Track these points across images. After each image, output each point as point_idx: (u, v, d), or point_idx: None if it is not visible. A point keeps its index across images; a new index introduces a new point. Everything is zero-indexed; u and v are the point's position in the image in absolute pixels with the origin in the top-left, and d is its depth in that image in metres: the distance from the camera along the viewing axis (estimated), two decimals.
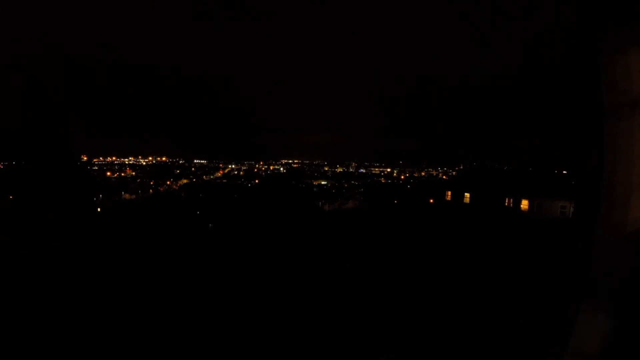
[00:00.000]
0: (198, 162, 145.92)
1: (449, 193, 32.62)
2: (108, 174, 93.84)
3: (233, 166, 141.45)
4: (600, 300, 3.37)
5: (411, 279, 11.37)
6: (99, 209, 38.62)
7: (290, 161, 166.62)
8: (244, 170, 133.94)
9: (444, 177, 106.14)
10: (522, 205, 26.21)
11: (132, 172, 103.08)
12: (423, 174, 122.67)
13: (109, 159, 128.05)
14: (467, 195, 29.87)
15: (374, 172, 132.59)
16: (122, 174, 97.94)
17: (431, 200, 41.48)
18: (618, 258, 3.30)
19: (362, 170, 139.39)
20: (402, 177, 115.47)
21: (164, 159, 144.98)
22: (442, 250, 14.86)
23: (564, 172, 29.34)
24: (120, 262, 13.19)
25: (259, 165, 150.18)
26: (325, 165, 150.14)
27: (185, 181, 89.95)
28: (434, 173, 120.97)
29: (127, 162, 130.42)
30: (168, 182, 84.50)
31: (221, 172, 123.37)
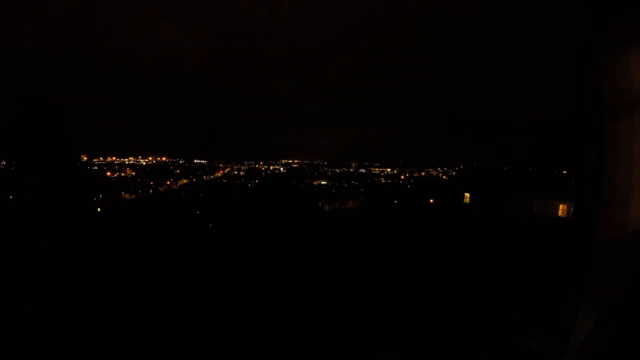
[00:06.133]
0: (198, 162, 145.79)
1: (449, 193, 32.61)
2: (108, 174, 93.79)
3: (233, 166, 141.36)
4: (600, 300, 3.37)
5: (411, 279, 11.36)
6: (99, 209, 38.59)
7: (290, 161, 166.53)
8: (244, 170, 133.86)
9: (444, 177, 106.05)
10: (522, 205, 26.20)
11: (132, 172, 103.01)
12: (423, 174, 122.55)
13: (109, 159, 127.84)
14: (467, 195, 29.86)
15: (374, 172, 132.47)
16: (122, 174, 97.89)
17: (431, 200, 41.46)
18: (618, 258, 3.29)
19: (362, 170, 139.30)
20: (402, 177, 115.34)
21: (164, 159, 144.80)
22: (442, 250, 14.86)
23: (564, 172, 29.29)
24: (121, 261, 13.17)
25: (259, 165, 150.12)
26: (325, 165, 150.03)
27: (185, 181, 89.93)
28: (434, 173, 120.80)
29: (127, 162, 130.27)
30: (168, 182, 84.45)
31: (221, 172, 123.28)
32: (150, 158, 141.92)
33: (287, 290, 10.42)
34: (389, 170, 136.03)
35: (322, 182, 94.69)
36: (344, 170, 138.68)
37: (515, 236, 17.74)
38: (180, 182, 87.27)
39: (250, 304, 9.53)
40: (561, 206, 24.59)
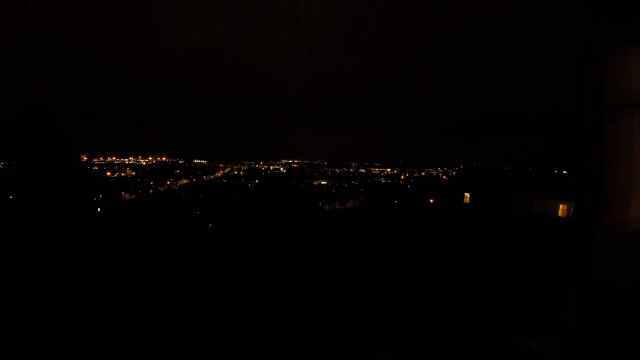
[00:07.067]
0: (198, 162, 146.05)
1: (449, 193, 32.62)
2: (108, 174, 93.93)
3: (233, 166, 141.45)
4: (601, 300, 3.37)
5: (411, 278, 11.36)
6: (99, 209, 38.58)
7: (290, 161, 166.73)
8: (244, 170, 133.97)
9: (444, 177, 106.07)
10: (522, 205, 26.20)
11: (132, 172, 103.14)
12: (423, 174, 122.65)
13: (109, 159, 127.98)
14: (467, 195, 29.86)
15: (374, 172, 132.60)
16: (122, 174, 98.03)
17: (431, 200, 41.46)
18: (618, 258, 3.29)
19: (362, 170, 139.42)
20: (402, 177, 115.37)
21: (164, 159, 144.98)
22: (441, 250, 14.86)
23: (564, 172, 29.27)
24: (121, 261, 13.17)
25: (259, 165, 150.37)
26: (325, 165, 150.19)
27: (185, 181, 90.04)
28: (434, 173, 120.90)
29: (127, 162, 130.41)
30: (168, 182, 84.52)
31: (221, 172, 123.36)
32: (150, 158, 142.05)
33: (288, 290, 10.42)
34: (389, 170, 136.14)
35: (322, 182, 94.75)
36: (344, 170, 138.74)
37: (515, 236, 17.74)
38: (180, 182, 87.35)
39: (250, 303, 9.53)
40: (561, 206, 24.59)
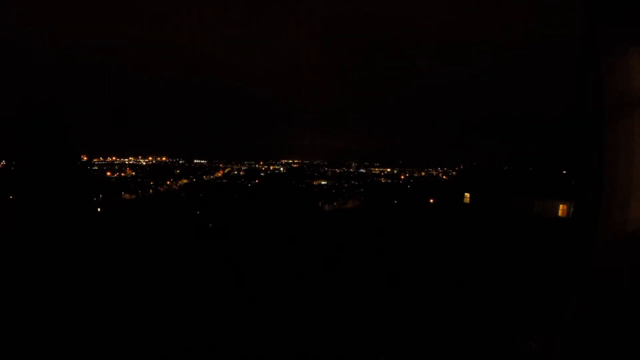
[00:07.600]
0: (198, 162, 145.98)
1: (449, 193, 32.64)
2: (108, 174, 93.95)
3: (233, 166, 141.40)
4: (600, 300, 3.37)
5: (411, 278, 11.37)
6: (99, 209, 38.59)
7: (290, 161, 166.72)
8: (244, 170, 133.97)
9: (444, 177, 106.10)
10: (522, 205, 26.21)
11: (132, 172, 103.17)
12: (423, 174, 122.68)
13: (109, 159, 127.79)
14: (467, 195, 29.87)
15: (374, 172, 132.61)
16: (122, 174, 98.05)
17: (431, 200, 41.48)
18: (618, 258, 3.30)
19: (362, 170, 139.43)
20: (402, 177, 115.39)
21: (164, 159, 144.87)
22: (442, 249, 14.87)
23: (564, 172, 29.28)
24: (121, 261, 13.18)
25: (259, 165, 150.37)
26: (325, 165, 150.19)
27: (185, 181, 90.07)
28: (434, 173, 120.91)
29: (127, 162, 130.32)
30: (168, 182, 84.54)
31: (221, 172, 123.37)
32: (150, 158, 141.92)
33: (287, 290, 10.42)
34: (389, 170, 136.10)
35: (322, 182, 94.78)
36: (344, 170, 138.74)
37: (515, 236, 17.75)
38: (180, 182, 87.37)
39: (249, 303, 9.54)
40: (561, 206, 24.60)
